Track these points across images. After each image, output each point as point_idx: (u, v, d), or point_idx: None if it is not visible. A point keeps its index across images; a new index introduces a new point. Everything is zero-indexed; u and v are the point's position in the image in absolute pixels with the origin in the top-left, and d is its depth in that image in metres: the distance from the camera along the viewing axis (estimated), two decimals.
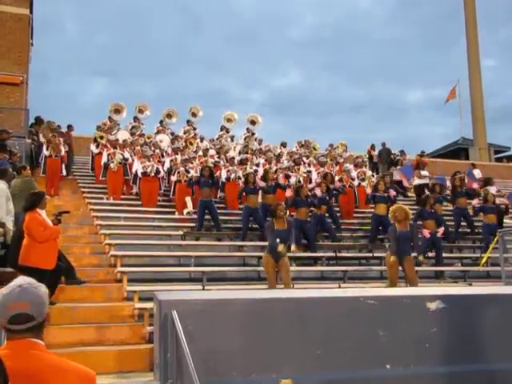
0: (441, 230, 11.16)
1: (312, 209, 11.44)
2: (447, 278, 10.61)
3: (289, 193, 11.86)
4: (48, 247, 6.90)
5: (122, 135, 15.13)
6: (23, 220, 7.10)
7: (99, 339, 6.91)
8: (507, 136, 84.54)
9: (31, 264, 6.77)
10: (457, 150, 35.31)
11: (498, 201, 13.17)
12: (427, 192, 13.35)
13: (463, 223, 12.97)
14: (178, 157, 13.62)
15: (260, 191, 11.68)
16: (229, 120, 18.46)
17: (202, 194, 11.41)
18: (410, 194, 16.40)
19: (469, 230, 12.95)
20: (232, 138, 18.01)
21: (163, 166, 13.46)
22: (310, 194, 11.62)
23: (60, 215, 7.42)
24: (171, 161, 13.58)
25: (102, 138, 14.58)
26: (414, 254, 8.99)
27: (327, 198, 11.73)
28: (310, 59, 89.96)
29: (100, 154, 14.09)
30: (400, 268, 8.62)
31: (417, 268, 9.37)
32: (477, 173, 17.95)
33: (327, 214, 11.88)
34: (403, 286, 8.62)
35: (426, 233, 10.70)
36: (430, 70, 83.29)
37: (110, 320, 7.41)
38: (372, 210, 12.64)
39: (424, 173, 15.60)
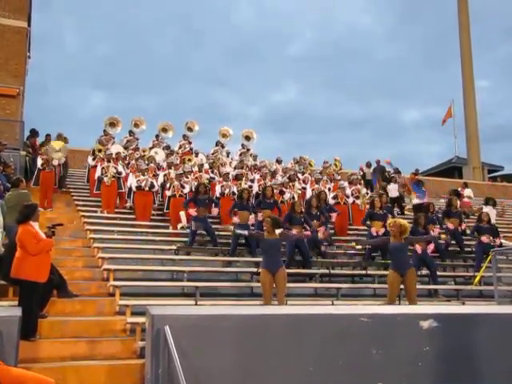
0: (431, 247, 11.20)
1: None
2: (440, 296, 10.61)
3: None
4: (41, 260, 6.86)
5: (116, 149, 15.14)
6: (16, 232, 7.07)
7: (90, 353, 6.84)
8: (501, 155, 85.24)
9: (23, 277, 6.73)
10: (451, 169, 35.55)
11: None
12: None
13: (453, 242, 12.97)
14: (172, 171, 13.63)
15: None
16: (224, 135, 18.51)
17: (198, 212, 11.39)
18: (407, 213, 16.44)
19: (459, 249, 12.96)
20: (228, 153, 18.04)
21: (157, 180, 13.46)
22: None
23: (54, 228, 7.38)
24: (165, 175, 13.59)
25: (100, 150, 14.61)
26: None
27: (318, 213, 11.70)
28: (309, 76, 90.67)
29: (95, 166, 14.10)
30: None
31: None
32: (469, 192, 18.12)
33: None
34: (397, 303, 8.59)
35: (419, 249, 10.69)
36: (428, 88, 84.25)
37: (102, 334, 7.34)
38: (366, 228, 12.67)
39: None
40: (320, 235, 11.42)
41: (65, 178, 15.38)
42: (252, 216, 11.47)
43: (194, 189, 12.42)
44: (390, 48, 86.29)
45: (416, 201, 15.64)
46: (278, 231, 8.60)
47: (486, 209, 13.91)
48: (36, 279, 6.75)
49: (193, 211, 11.34)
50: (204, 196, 11.66)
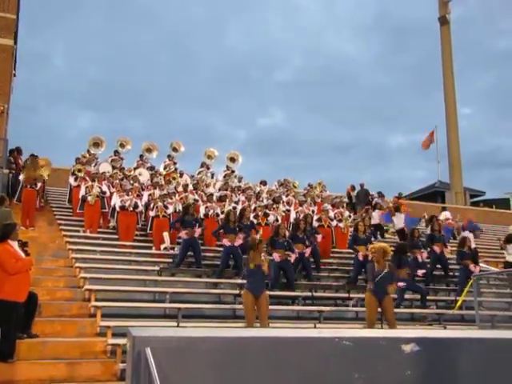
0: (420, 272, 11.38)
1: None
2: (422, 320, 10.63)
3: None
4: (19, 279, 6.79)
5: (104, 168, 15.06)
6: None
7: (70, 375, 6.73)
8: (484, 181, 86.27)
9: (1, 296, 6.64)
10: (433, 193, 35.89)
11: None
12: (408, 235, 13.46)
13: (438, 266, 13.06)
14: (157, 191, 13.59)
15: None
16: (209, 157, 18.55)
17: (187, 233, 11.37)
18: (387, 236, 16.54)
19: (443, 273, 13.04)
20: (212, 174, 18.06)
21: (141, 200, 13.39)
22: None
23: (25, 246, 7.33)
24: (149, 195, 13.54)
25: (80, 171, 14.49)
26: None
27: (305, 237, 11.72)
28: (296, 101, 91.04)
29: (78, 186, 13.98)
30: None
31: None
32: (447, 215, 18.32)
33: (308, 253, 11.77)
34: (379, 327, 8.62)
35: (400, 284, 10.57)
36: (413, 115, 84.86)
37: (82, 356, 7.25)
38: (349, 250, 12.74)
39: (401, 216, 15.80)
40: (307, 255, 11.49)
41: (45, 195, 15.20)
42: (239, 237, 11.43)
43: (180, 209, 12.43)
44: (377, 75, 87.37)
45: (400, 226, 15.75)
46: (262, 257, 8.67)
47: (465, 233, 14.05)
48: (15, 299, 6.67)
49: (183, 233, 11.33)
50: (192, 217, 11.67)
